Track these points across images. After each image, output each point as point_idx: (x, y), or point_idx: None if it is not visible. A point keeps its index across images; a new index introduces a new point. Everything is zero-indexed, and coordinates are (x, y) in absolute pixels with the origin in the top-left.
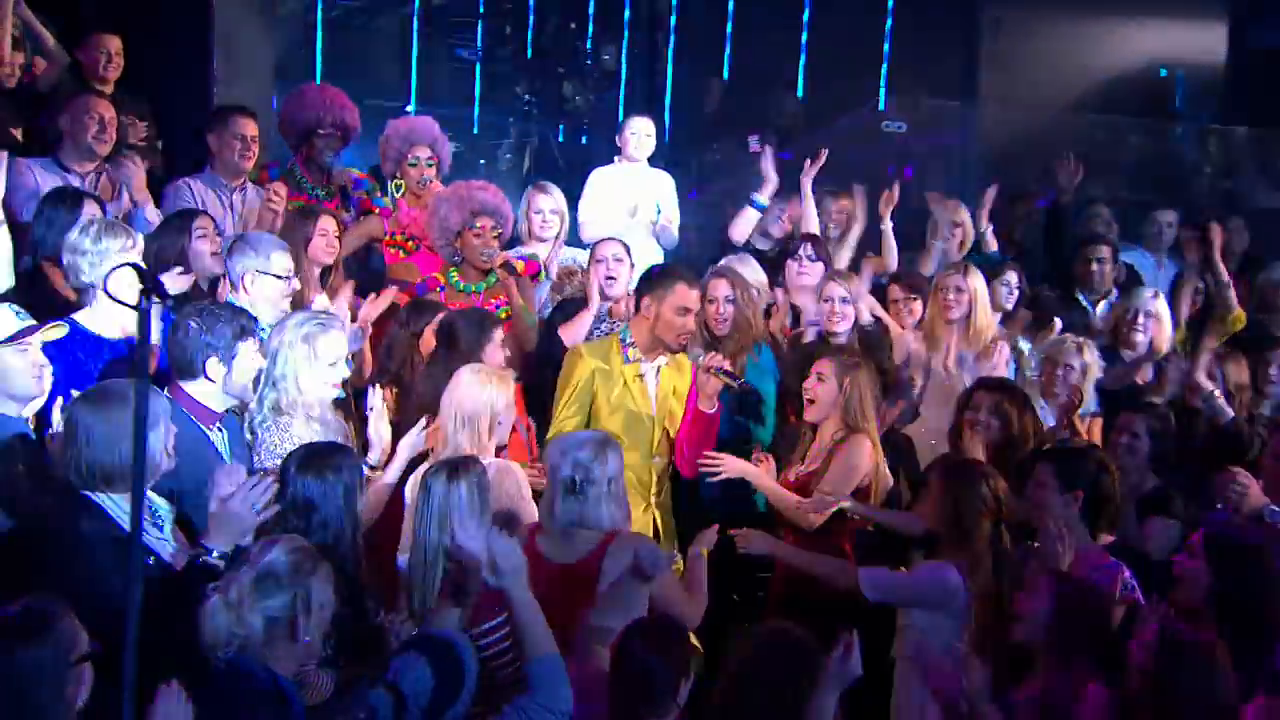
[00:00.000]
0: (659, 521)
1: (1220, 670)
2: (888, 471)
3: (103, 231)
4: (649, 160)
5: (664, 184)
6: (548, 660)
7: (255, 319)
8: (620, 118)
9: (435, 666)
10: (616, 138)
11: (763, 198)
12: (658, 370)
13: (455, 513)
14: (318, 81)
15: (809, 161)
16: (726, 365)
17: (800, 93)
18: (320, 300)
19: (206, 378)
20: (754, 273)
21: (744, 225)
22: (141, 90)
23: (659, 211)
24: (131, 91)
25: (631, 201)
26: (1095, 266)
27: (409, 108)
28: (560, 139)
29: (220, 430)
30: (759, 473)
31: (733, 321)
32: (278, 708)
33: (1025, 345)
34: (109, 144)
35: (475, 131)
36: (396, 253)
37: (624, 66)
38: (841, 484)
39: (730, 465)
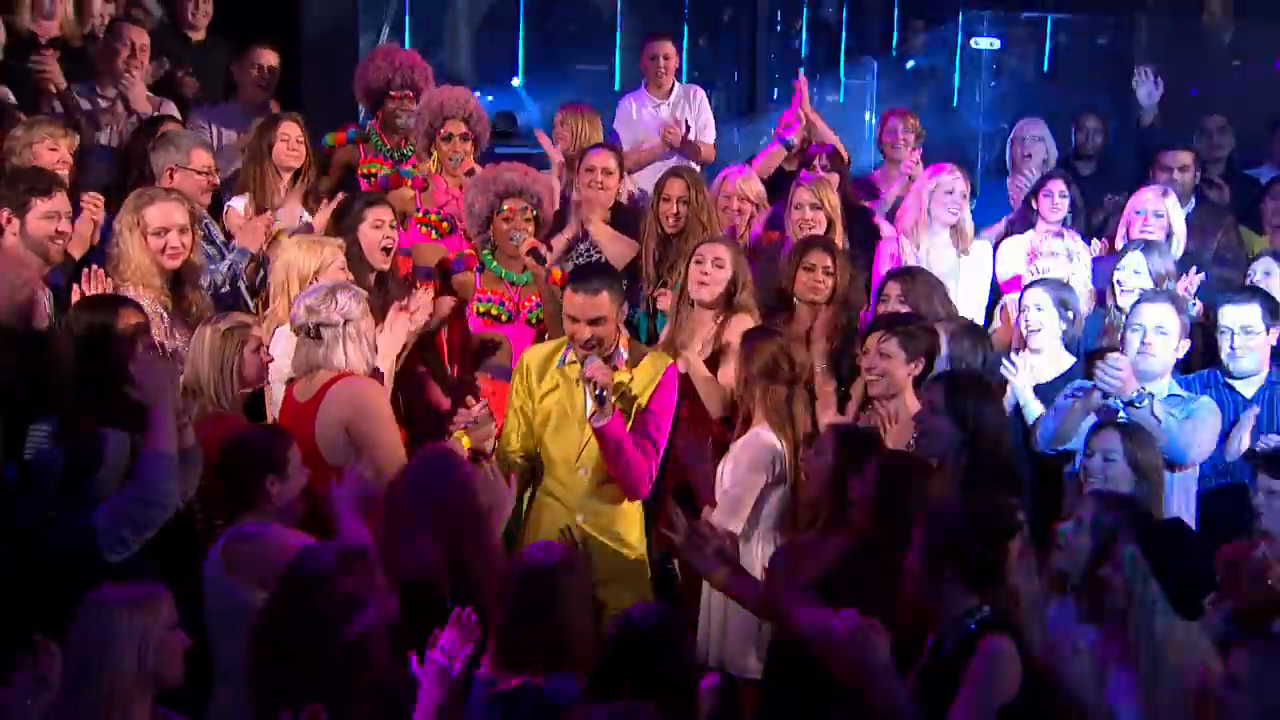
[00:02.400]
0: (590, 545)
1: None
2: None
3: None
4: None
5: (692, 101)
6: (152, 455)
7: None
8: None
9: (68, 447)
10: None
11: (793, 137)
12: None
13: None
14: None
15: (796, 83)
16: (599, 377)
17: None
18: (291, 205)
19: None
20: (752, 185)
21: (770, 161)
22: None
23: (688, 128)
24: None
25: (659, 123)
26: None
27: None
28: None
29: (44, 289)
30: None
31: (685, 221)
32: None
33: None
34: (139, 69)
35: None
36: (428, 232)
37: None
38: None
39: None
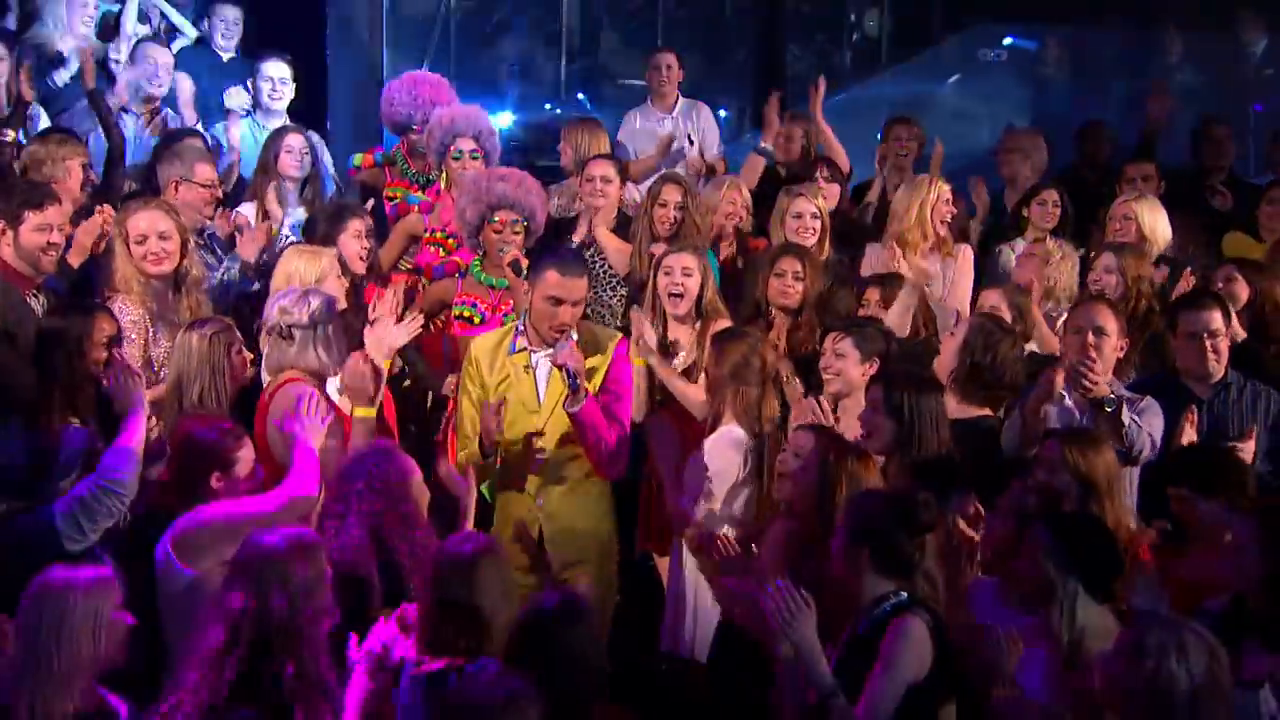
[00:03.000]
0: (545, 528)
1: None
2: None
3: None
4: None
5: (697, 114)
6: (117, 450)
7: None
8: None
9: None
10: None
11: (767, 144)
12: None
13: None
14: None
15: (813, 89)
16: (571, 363)
17: None
18: (297, 214)
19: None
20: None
21: (751, 171)
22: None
23: (691, 143)
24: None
25: (662, 136)
26: None
27: None
28: None
29: (36, 296)
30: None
31: (680, 227)
32: None
33: None
34: (161, 88)
35: None
36: (436, 251)
37: None
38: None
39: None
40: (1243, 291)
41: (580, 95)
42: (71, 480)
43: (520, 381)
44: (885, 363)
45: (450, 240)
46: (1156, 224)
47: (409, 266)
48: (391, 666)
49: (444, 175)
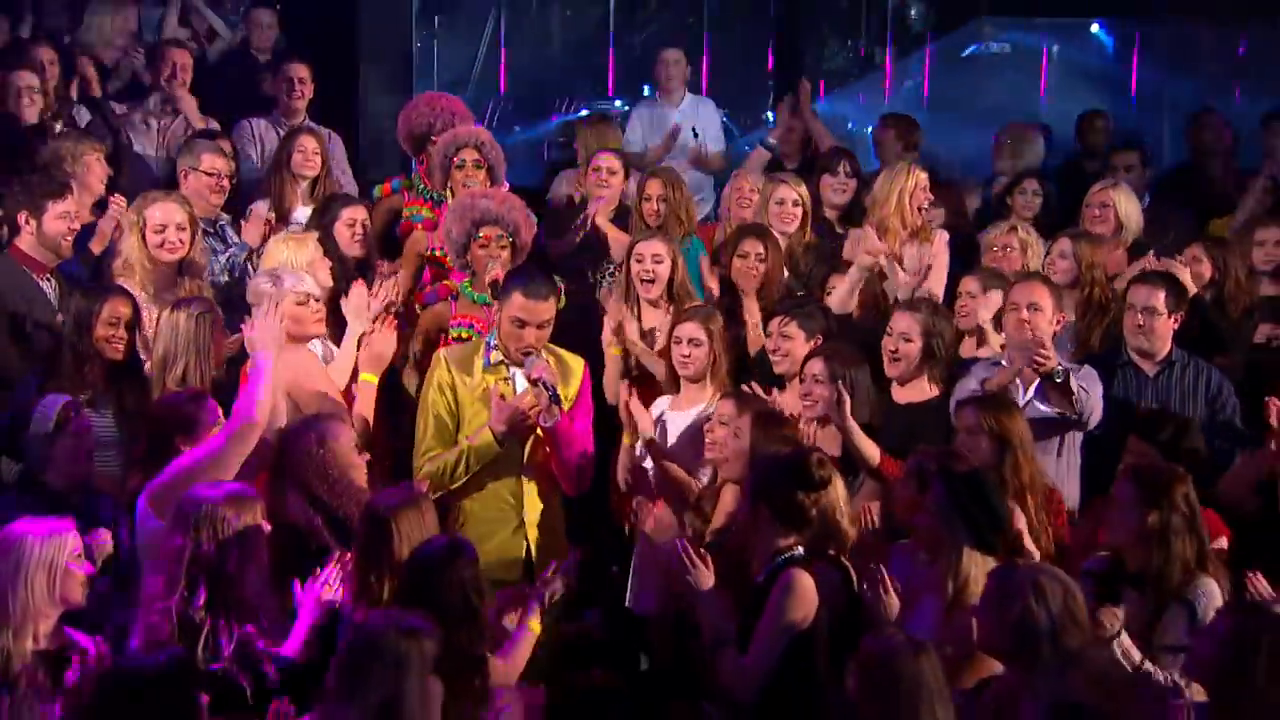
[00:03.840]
0: (531, 543)
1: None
2: None
3: None
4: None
5: (702, 109)
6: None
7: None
8: None
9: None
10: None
11: (772, 139)
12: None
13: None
14: None
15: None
16: (547, 376)
17: None
18: (301, 213)
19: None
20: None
21: (757, 162)
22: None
23: (696, 137)
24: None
25: (665, 132)
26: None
27: None
28: None
29: (49, 280)
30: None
31: (664, 219)
32: None
33: None
34: (183, 87)
35: None
36: (436, 269)
37: None
38: None
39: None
40: (1206, 270)
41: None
42: (40, 441)
43: (499, 394)
44: (826, 338)
45: (449, 258)
46: (1131, 211)
47: None
48: (331, 609)
49: (450, 193)
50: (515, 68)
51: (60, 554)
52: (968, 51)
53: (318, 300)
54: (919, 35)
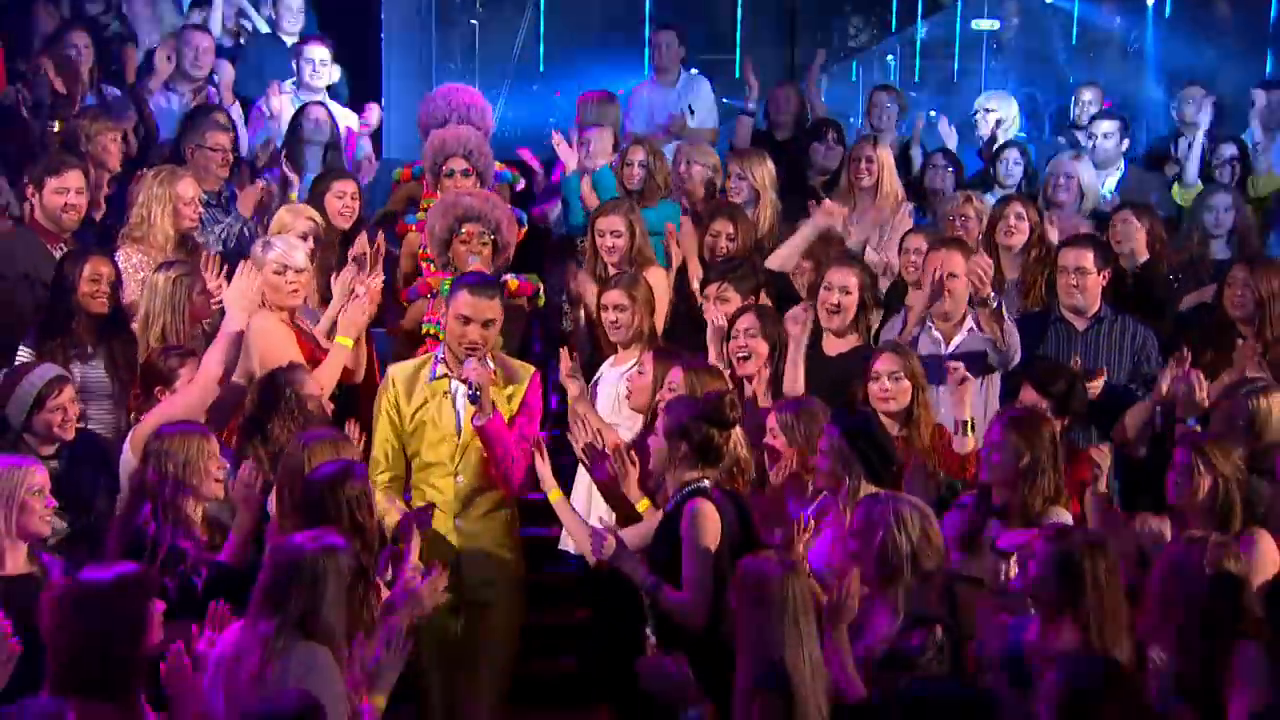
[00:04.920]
0: (462, 549)
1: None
2: None
3: None
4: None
5: (696, 88)
6: None
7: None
8: None
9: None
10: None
11: (750, 104)
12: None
13: None
14: None
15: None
16: (474, 377)
17: None
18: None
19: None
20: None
21: (744, 132)
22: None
23: (691, 114)
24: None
25: (662, 111)
26: None
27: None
28: None
29: (63, 248)
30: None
31: (644, 184)
32: None
33: None
34: (201, 70)
35: None
36: (428, 266)
37: None
38: None
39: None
40: (1139, 233)
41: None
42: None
43: (440, 407)
44: (757, 295)
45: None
46: (1092, 183)
47: None
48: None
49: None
50: (554, 47)
51: (19, 488)
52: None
53: (297, 272)
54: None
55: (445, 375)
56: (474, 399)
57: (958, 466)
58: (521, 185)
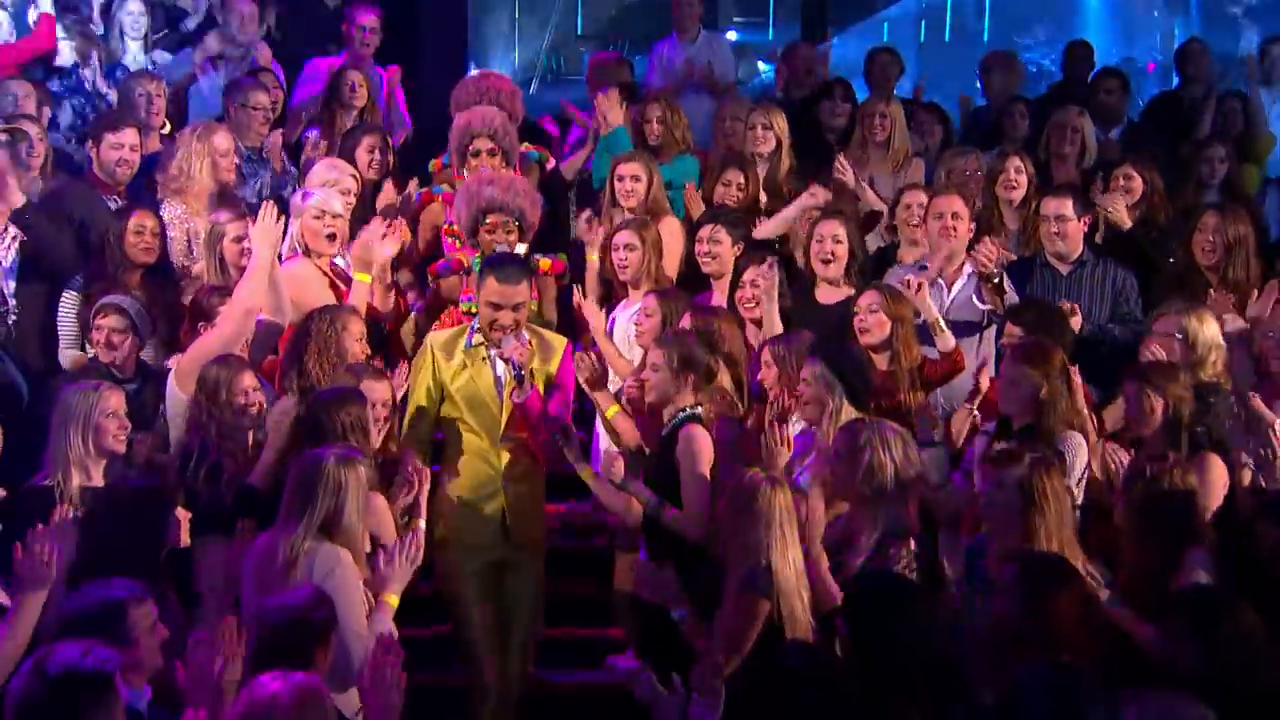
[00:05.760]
0: (508, 510)
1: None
2: None
3: None
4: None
5: (715, 44)
6: None
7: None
8: None
9: None
10: None
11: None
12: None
13: None
14: None
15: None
16: (515, 356)
17: None
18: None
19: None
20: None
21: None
22: None
23: (711, 71)
24: None
25: (682, 66)
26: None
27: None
28: None
29: (117, 200)
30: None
31: (661, 140)
32: None
33: None
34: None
35: None
36: (454, 243)
37: None
38: None
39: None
40: (1137, 185)
41: None
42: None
43: (480, 372)
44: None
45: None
46: (1092, 139)
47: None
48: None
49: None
50: (592, 8)
51: (94, 410)
52: None
53: (334, 217)
54: None
55: (482, 344)
56: (519, 378)
57: (945, 369)
58: (551, 164)
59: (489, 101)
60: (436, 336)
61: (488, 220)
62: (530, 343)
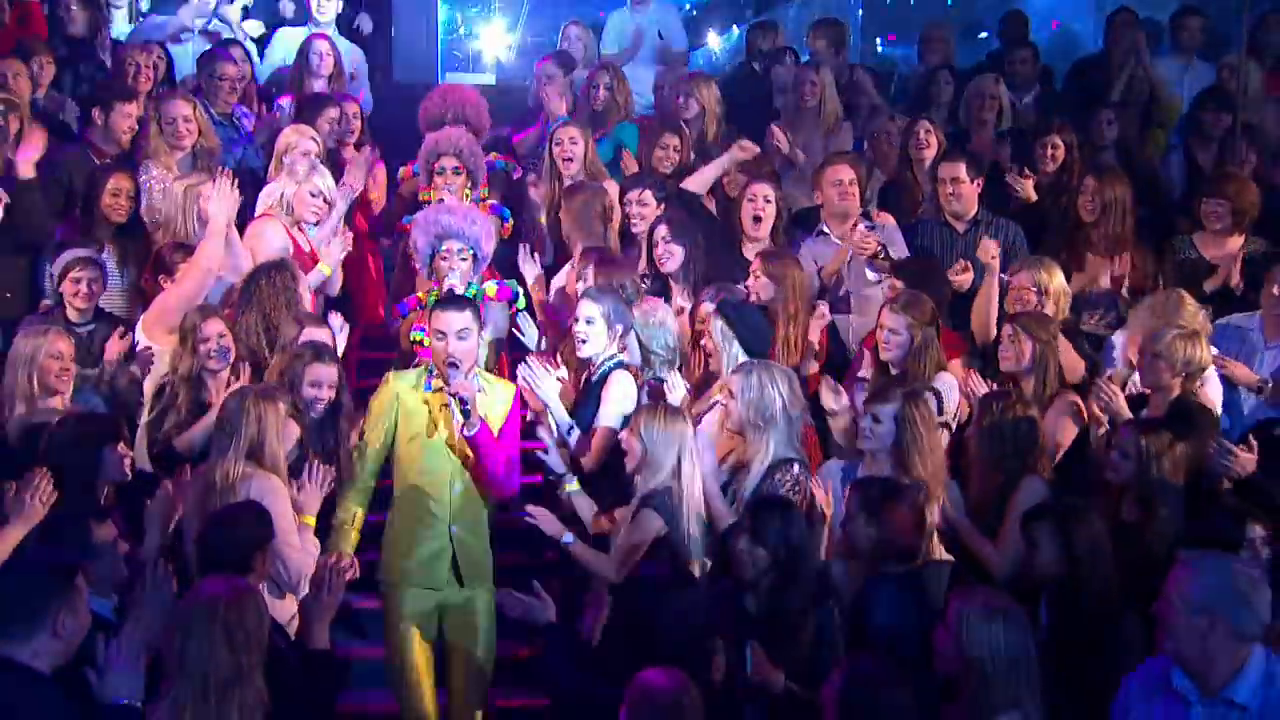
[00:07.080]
0: (456, 552)
1: None
2: None
3: None
4: None
5: (666, 14)
6: None
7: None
8: None
9: None
10: None
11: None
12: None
13: None
14: None
15: None
16: (464, 392)
17: None
18: None
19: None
20: None
21: None
22: None
23: (660, 38)
24: None
25: (633, 35)
26: None
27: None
28: None
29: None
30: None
31: (606, 105)
32: None
33: None
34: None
35: None
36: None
37: None
38: None
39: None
40: (1060, 153)
41: None
42: None
43: (435, 412)
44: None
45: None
46: (1007, 104)
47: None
48: None
49: (433, 193)
50: None
51: (40, 351)
52: None
53: (325, 201)
54: None
55: (440, 389)
56: (465, 412)
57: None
58: (518, 174)
59: (454, 118)
60: (399, 378)
61: (444, 247)
62: (480, 387)
